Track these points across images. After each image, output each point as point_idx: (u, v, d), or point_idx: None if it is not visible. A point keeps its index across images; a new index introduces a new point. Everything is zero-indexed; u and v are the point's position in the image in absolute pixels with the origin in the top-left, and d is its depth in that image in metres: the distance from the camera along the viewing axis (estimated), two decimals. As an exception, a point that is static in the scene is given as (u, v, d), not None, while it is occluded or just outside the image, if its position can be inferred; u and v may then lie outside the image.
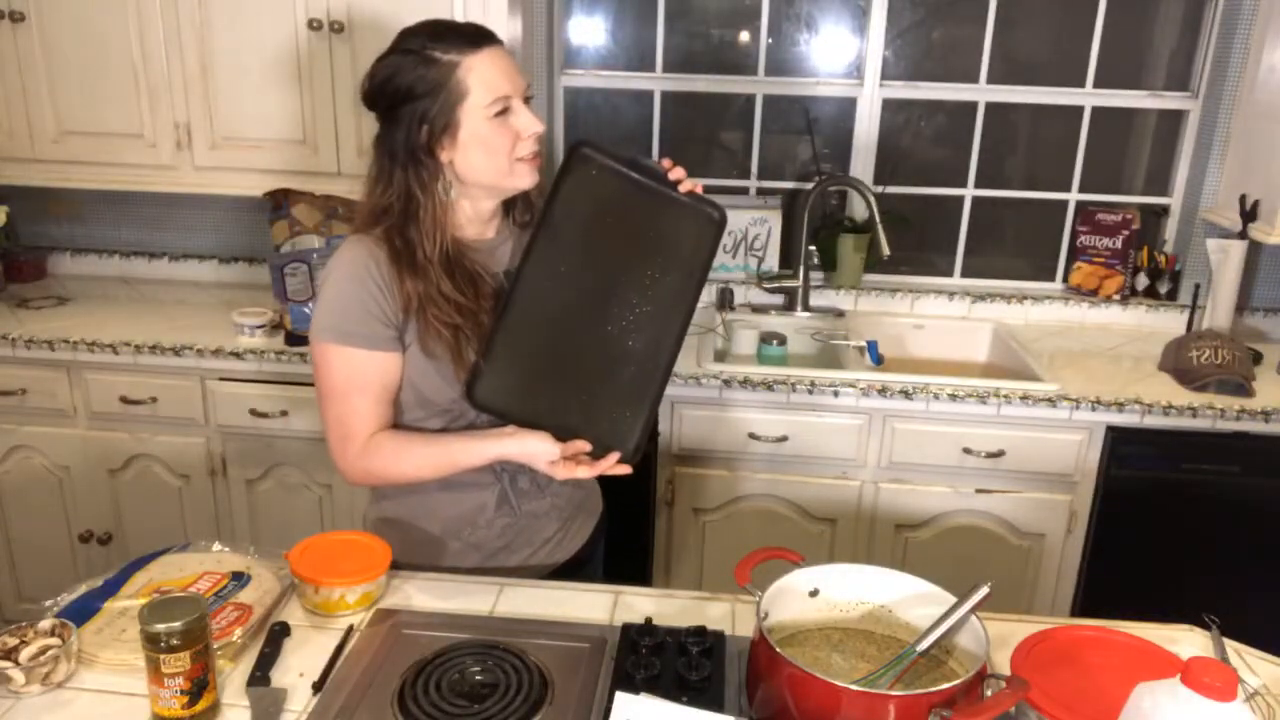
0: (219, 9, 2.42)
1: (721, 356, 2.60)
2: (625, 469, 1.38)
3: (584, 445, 1.36)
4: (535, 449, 1.36)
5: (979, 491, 2.36)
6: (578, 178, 1.38)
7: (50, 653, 1.15)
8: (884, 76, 2.82)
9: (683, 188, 1.39)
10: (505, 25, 2.34)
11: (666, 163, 1.40)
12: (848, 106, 2.86)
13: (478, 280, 1.40)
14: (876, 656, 1.20)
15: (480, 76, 1.33)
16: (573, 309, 1.38)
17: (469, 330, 1.37)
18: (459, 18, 2.25)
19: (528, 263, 1.37)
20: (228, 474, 2.52)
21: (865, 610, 1.25)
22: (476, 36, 1.35)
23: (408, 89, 1.33)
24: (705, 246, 1.41)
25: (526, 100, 1.39)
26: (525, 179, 1.40)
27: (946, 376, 2.34)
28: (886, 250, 2.58)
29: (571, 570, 1.56)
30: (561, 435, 1.37)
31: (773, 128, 2.92)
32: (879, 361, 2.61)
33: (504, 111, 1.35)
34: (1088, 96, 2.80)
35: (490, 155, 1.36)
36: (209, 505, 2.55)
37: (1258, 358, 2.52)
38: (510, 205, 1.50)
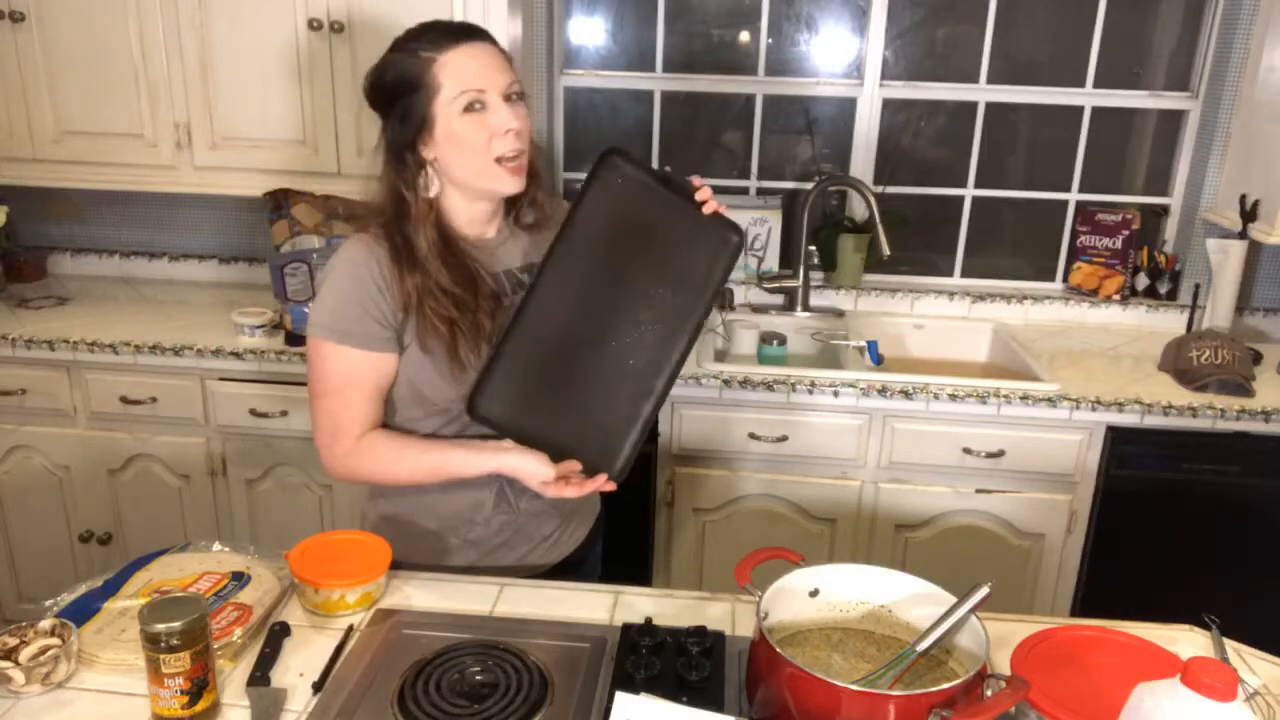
0: (219, 9, 2.42)
1: (721, 356, 2.60)
2: (611, 486, 1.38)
3: (576, 466, 1.36)
4: (530, 469, 1.36)
5: (979, 491, 2.36)
6: (604, 184, 1.36)
7: (50, 653, 1.15)
8: (884, 76, 2.82)
9: (707, 209, 1.38)
10: (505, 25, 2.34)
11: (696, 180, 1.39)
12: (848, 106, 2.86)
13: (476, 279, 1.40)
14: (876, 656, 1.20)
15: (452, 71, 1.33)
16: (580, 322, 1.37)
17: (465, 327, 1.37)
18: (458, 18, 2.26)
19: (546, 270, 1.36)
20: (228, 474, 2.52)
21: (865, 610, 1.25)
22: (459, 32, 1.36)
23: (393, 86, 1.35)
24: (720, 268, 1.40)
25: (517, 98, 1.37)
26: (505, 183, 1.38)
27: (946, 376, 2.34)
28: (886, 250, 2.58)
29: (569, 570, 1.57)
30: (554, 451, 1.36)
31: (773, 128, 2.92)
32: (879, 361, 2.61)
33: (478, 108, 1.34)
34: (1088, 96, 2.80)
35: (464, 153, 1.35)
36: (209, 505, 2.55)
37: (1258, 358, 2.52)
38: (512, 205, 1.49)
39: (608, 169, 1.36)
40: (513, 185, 1.39)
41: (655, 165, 1.42)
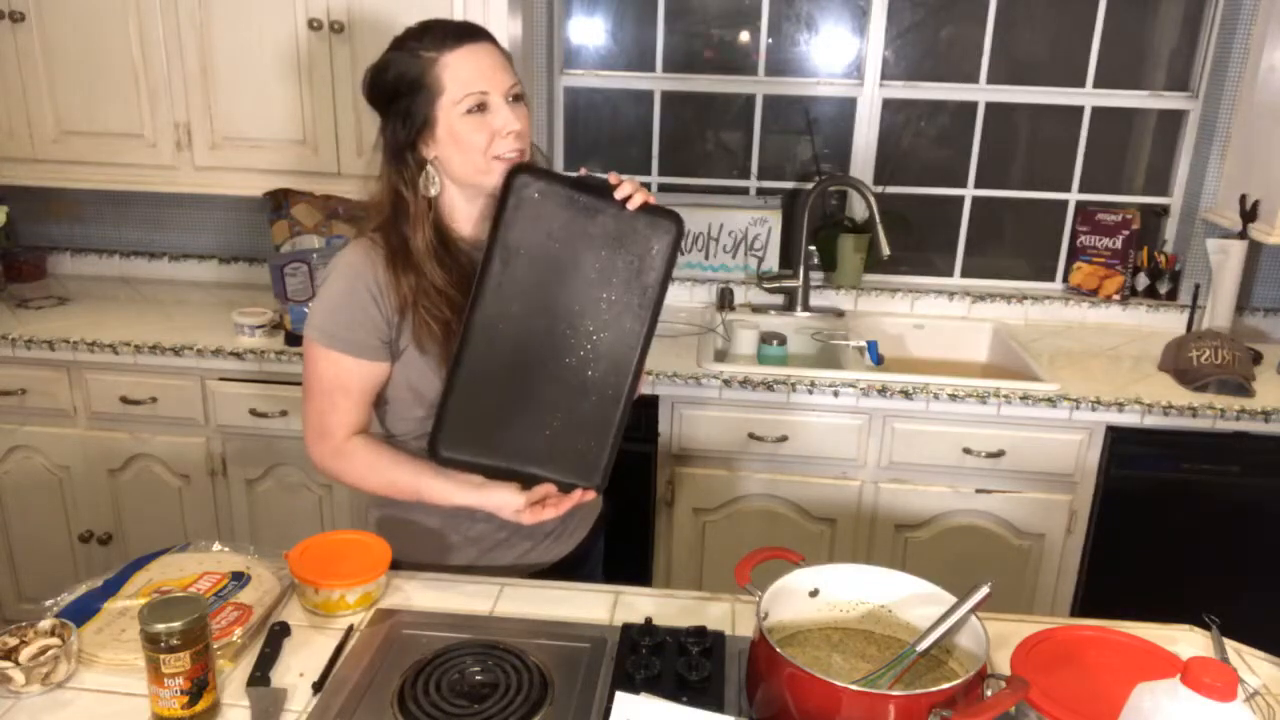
0: (219, 9, 2.42)
1: (721, 356, 2.60)
2: (590, 496, 1.38)
3: (549, 489, 1.35)
4: (499, 501, 1.36)
5: (979, 491, 2.36)
6: (519, 205, 1.31)
7: (50, 653, 1.15)
8: (884, 76, 2.82)
9: (631, 204, 1.33)
10: (505, 25, 2.34)
11: (613, 178, 1.35)
12: (848, 106, 2.86)
13: (472, 278, 1.40)
14: (876, 656, 1.20)
15: (455, 73, 1.33)
16: (528, 350, 1.34)
17: (459, 326, 1.37)
18: (459, 17, 2.26)
19: (477, 304, 1.31)
20: (228, 474, 2.52)
21: (865, 610, 1.25)
22: (460, 33, 1.36)
23: (393, 86, 1.36)
24: (661, 260, 1.35)
25: (517, 99, 1.37)
26: (501, 178, 1.36)
27: (946, 376, 2.34)
28: (886, 250, 2.58)
29: (571, 567, 1.57)
30: (527, 479, 1.35)
31: (773, 128, 2.92)
32: (879, 361, 2.61)
33: (480, 109, 1.34)
34: (1088, 96, 2.80)
35: (466, 153, 1.35)
36: (209, 505, 2.55)
37: (1258, 358, 2.52)
38: None
39: (519, 189, 1.31)
40: None
41: (566, 172, 1.35)
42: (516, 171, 1.32)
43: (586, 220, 1.33)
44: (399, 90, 1.35)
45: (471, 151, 1.35)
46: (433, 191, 1.39)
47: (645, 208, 1.34)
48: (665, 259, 1.35)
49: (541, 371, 1.35)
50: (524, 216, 1.32)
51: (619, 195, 1.33)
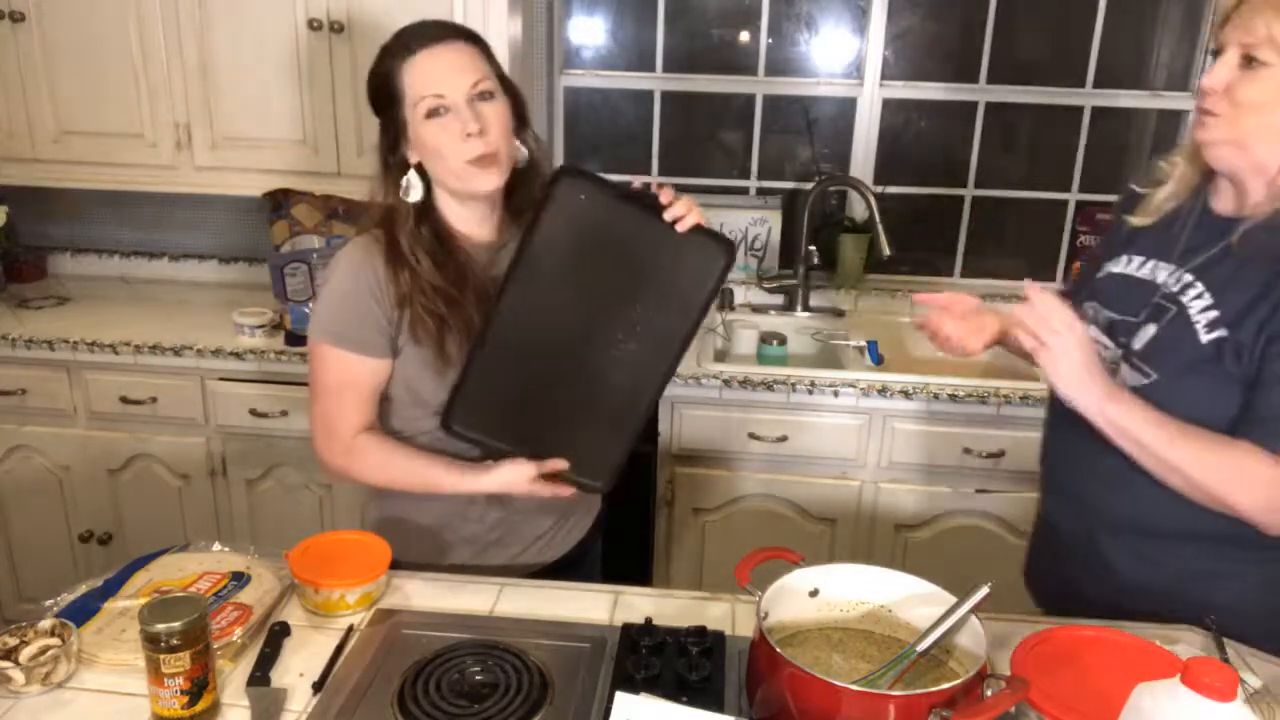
0: (219, 9, 2.42)
1: (721, 356, 2.60)
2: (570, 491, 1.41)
3: (561, 464, 1.37)
4: (510, 477, 1.37)
5: (979, 491, 2.36)
6: (563, 205, 1.29)
7: (50, 653, 1.15)
8: (884, 76, 2.82)
9: (683, 225, 1.29)
10: (505, 25, 2.34)
11: (665, 196, 1.30)
12: (848, 106, 2.86)
13: (466, 277, 1.40)
14: (876, 656, 1.20)
15: (413, 77, 1.34)
16: (552, 345, 1.33)
17: (454, 323, 1.37)
18: (458, 18, 2.26)
19: (505, 295, 1.32)
20: (228, 474, 2.52)
21: (865, 610, 1.25)
22: (429, 36, 1.35)
23: (375, 93, 1.39)
24: (707, 286, 1.31)
25: (486, 96, 1.34)
26: (477, 182, 1.36)
27: (946, 376, 2.34)
28: (887, 250, 2.58)
29: (567, 568, 1.57)
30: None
31: (773, 128, 2.92)
32: (879, 361, 2.61)
33: (442, 112, 1.33)
34: (1088, 96, 2.80)
35: (433, 158, 1.36)
36: (209, 505, 2.55)
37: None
38: (516, 208, 1.48)
39: (566, 189, 1.28)
40: (486, 183, 1.37)
41: (614, 180, 1.33)
42: (564, 173, 1.29)
43: (633, 233, 1.30)
44: (378, 94, 1.38)
45: (441, 156, 1.35)
46: (412, 197, 1.39)
47: (700, 230, 1.30)
48: (712, 284, 1.32)
49: (562, 370, 1.35)
50: (565, 220, 1.29)
51: (669, 216, 1.29)
